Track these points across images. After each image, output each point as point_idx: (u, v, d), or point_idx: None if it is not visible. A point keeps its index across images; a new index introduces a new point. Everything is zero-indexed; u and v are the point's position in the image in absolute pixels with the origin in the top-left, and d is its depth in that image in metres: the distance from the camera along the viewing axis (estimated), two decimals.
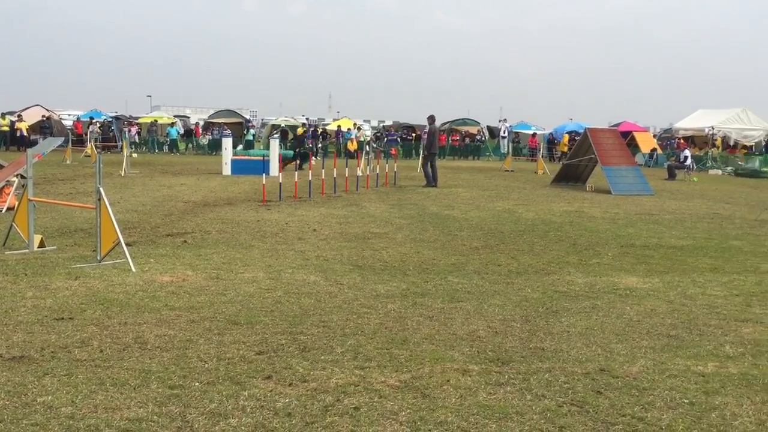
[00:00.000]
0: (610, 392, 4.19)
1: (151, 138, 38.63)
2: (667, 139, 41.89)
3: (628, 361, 4.77)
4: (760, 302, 6.58)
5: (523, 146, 40.69)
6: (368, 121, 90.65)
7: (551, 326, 5.59)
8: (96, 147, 29.42)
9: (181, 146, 39.03)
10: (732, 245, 10.08)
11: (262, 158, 18.81)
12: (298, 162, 22.88)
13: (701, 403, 4.07)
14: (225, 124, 40.05)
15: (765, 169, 30.44)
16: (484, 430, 3.63)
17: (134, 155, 28.57)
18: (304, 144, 32.30)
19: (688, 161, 27.13)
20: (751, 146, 36.82)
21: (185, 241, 9.11)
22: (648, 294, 6.83)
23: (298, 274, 7.28)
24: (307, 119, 59.23)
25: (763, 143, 37.41)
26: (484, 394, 4.11)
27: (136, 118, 45.11)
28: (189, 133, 42.54)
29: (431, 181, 19.30)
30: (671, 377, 4.48)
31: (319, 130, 42.27)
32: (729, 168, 31.43)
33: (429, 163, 19.63)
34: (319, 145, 35.78)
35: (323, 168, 16.61)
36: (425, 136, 23.16)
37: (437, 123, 22.19)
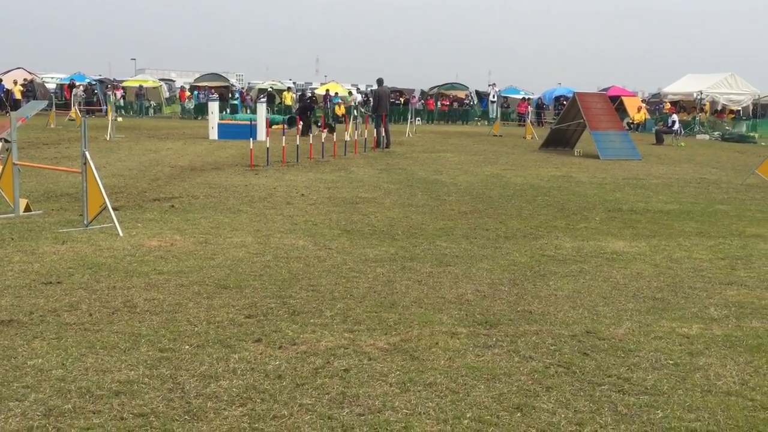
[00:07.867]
0: (596, 354, 4.25)
1: (140, 102, 38.13)
2: (655, 103, 41.87)
3: (614, 324, 4.83)
4: (744, 265, 6.66)
5: (511, 111, 40.56)
6: (356, 86, 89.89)
7: (539, 290, 5.64)
8: (80, 111, 29.04)
9: (167, 110, 38.61)
10: (718, 209, 10.16)
11: (249, 122, 18.66)
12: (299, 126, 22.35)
13: (686, 363, 4.14)
14: (211, 87, 39.61)
15: (752, 134, 30.58)
16: (473, 390, 3.67)
17: (119, 119, 28.27)
18: (311, 112, 27.28)
19: (676, 126, 27.20)
20: (739, 111, 36.92)
21: (173, 206, 9.07)
22: (634, 257, 6.89)
23: (286, 239, 7.28)
24: (294, 83, 58.60)
25: (750, 108, 37.52)
26: (472, 356, 4.16)
27: (121, 82, 44.47)
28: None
29: (381, 143, 19.26)
30: (656, 339, 4.54)
31: (307, 95, 41.90)
32: (716, 133, 31.53)
33: (377, 125, 19.60)
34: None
35: (311, 133, 16.54)
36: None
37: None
